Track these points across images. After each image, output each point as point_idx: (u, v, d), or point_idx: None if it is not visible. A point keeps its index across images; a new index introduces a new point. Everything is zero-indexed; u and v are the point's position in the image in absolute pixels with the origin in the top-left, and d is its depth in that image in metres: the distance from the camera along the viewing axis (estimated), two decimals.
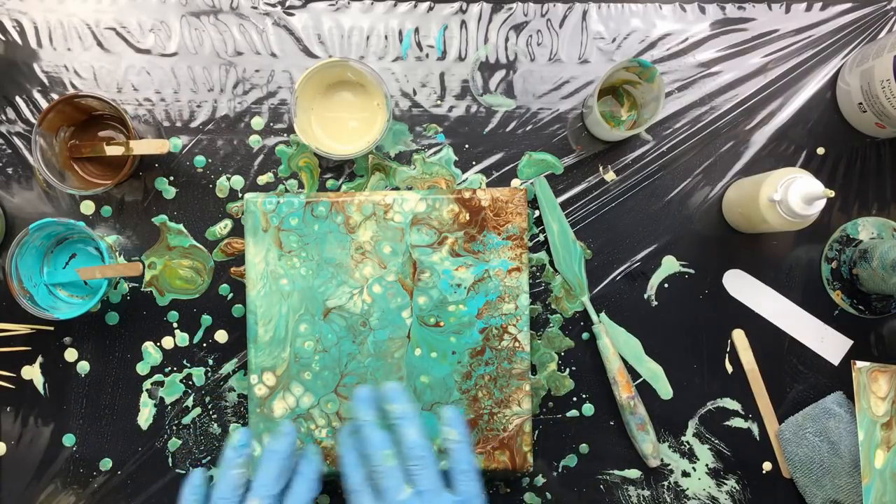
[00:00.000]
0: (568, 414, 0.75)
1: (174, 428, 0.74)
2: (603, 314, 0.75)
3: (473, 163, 0.75)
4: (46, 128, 0.70)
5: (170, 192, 0.74)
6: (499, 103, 0.75)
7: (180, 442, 0.74)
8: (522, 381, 0.71)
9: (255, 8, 0.75)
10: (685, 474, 0.75)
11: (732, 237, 0.75)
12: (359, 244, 0.70)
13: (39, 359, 0.74)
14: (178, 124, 0.75)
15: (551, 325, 0.74)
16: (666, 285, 0.75)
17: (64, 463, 0.73)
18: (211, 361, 0.74)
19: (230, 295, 0.74)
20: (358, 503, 0.61)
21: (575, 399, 0.75)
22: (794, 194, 0.64)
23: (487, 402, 0.70)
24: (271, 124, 0.75)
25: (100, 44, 0.75)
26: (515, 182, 0.75)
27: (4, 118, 0.74)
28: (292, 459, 0.63)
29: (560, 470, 0.74)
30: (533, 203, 0.75)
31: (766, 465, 0.75)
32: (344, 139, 0.73)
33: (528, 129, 0.75)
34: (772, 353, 0.75)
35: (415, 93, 0.75)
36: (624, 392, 0.72)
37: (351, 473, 0.62)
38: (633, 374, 0.75)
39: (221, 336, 0.74)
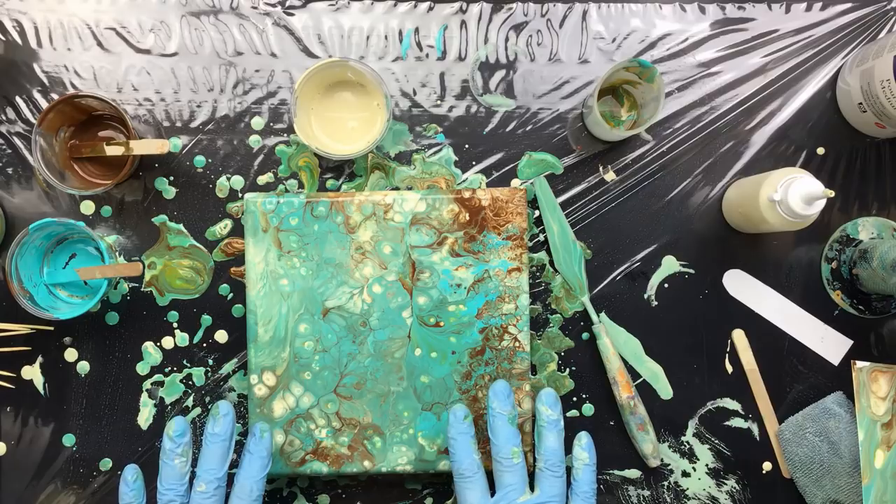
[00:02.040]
0: (568, 414, 0.75)
1: None
2: (603, 314, 0.75)
3: (473, 163, 0.75)
4: (46, 128, 0.70)
5: (170, 192, 0.74)
6: (499, 103, 0.75)
7: None
8: (523, 381, 0.71)
9: (255, 8, 0.75)
10: (685, 474, 0.75)
11: (732, 237, 0.75)
12: (359, 244, 0.70)
13: (39, 359, 0.74)
14: (178, 124, 0.75)
15: (551, 325, 0.75)
16: (666, 285, 0.75)
17: (64, 463, 0.74)
18: (211, 361, 0.74)
19: (230, 295, 0.74)
20: (470, 489, 0.63)
21: (575, 399, 0.75)
22: (794, 194, 0.64)
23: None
24: (271, 124, 0.75)
25: (100, 44, 0.75)
26: (515, 182, 0.75)
27: (4, 118, 0.74)
28: (234, 440, 0.65)
29: None
30: (533, 203, 0.75)
31: (766, 465, 0.75)
32: (344, 139, 0.73)
33: (528, 129, 0.75)
34: (772, 353, 0.75)
35: (415, 93, 0.75)
36: (624, 392, 0.72)
37: (464, 458, 0.64)
38: (633, 374, 0.75)
39: (221, 336, 0.74)
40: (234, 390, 0.74)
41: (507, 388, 0.66)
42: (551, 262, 0.75)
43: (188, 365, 0.74)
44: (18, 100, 0.74)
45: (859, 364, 0.72)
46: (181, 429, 0.64)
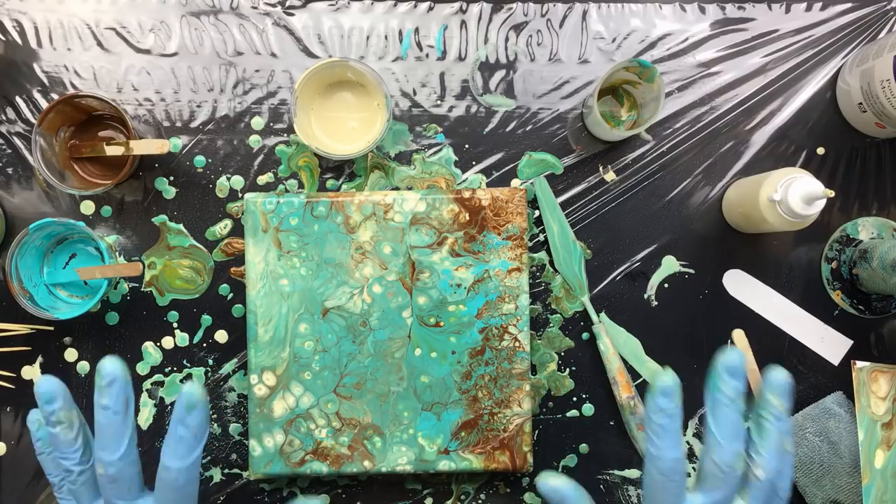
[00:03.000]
0: (568, 414, 0.75)
1: None
2: (603, 314, 0.75)
3: (473, 163, 0.75)
4: (46, 128, 0.70)
5: (170, 192, 0.74)
6: (499, 103, 0.75)
7: None
8: (523, 381, 0.71)
9: (255, 8, 0.75)
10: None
11: (732, 237, 0.75)
12: (359, 244, 0.70)
13: (39, 359, 0.74)
14: (178, 124, 0.75)
15: (551, 325, 0.75)
16: (666, 285, 0.75)
17: None
18: (211, 361, 0.74)
19: (230, 295, 0.74)
20: (666, 490, 0.50)
21: (575, 399, 0.75)
22: (794, 194, 0.64)
23: (487, 402, 0.70)
24: (271, 124, 0.75)
25: (100, 44, 0.75)
26: (515, 182, 0.75)
27: (4, 118, 0.74)
28: (132, 413, 0.51)
29: (560, 470, 0.74)
30: (533, 203, 0.75)
31: None
32: (344, 139, 0.73)
33: (528, 129, 0.75)
34: (772, 353, 0.75)
35: (415, 93, 0.75)
36: (624, 392, 0.72)
37: (669, 453, 0.50)
38: (633, 374, 0.75)
39: (221, 336, 0.74)
40: (234, 390, 0.74)
41: (740, 361, 0.49)
42: (551, 262, 0.75)
43: (188, 365, 0.74)
44: (18, 100, 0.74)
45: (859, 364, 0.72)
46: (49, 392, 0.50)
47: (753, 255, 0.75)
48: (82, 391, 0.74)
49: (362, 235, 0.70)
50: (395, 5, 0.75)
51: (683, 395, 0.74)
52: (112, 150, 0.72)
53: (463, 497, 0.74)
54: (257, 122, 0.75)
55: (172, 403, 0.74)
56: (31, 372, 0.74)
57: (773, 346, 0.75)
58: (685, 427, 0.75)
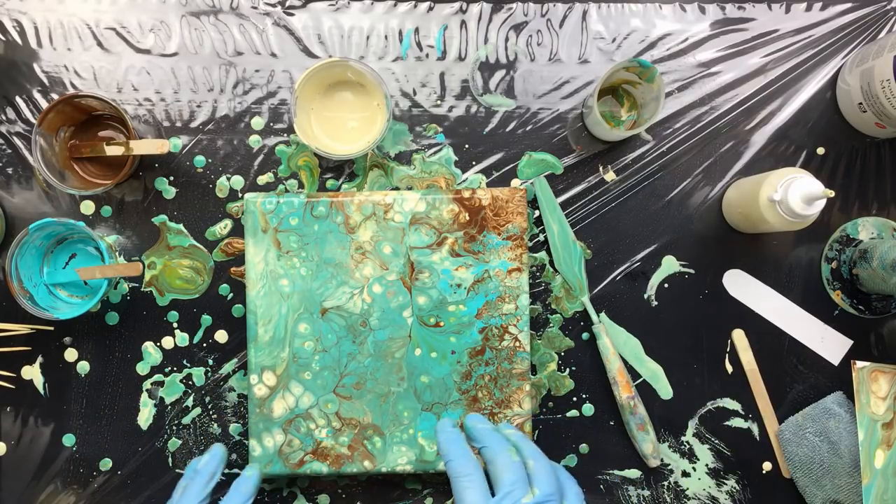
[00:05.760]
0: (568, 414, 0.75)
1: (174, 428, 0.74)
2: (603, 314, 0.75)
3: (473, 163, 0.75)
4: (46, 128, 0.70)
5: (170, 192, 0.74)
6: (499, 103, 0.75)
7: (180, 442, 0.74)
8: (523, 381, 0.71)
9: (255, 8, 0.75)
10: (685, 474, 0.75)
11: (732, 237, 0.75)
12: (359, 244, 0.70)
13: (39, 359, 0.74)
14: (178, 124, 0.75)
15: (551, 325, 0.75)
16: (666, 285, 0.75)
17: (64, 463, 0.74)
18: (211, 361, 0.74)
19: (230, 295, 0.74)
20: (470, 488, 0.58)
21: (575, 399, 0.75)
22: (794, 194, 0.64)
23: (488, 403, 0.70)
24: (271, 124, 0.75)
25: (100, 44, 0.75)
26: (515, 182, 0.75)
27: (4, 118, 0.74)
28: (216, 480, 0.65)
29: None
30: (533, 203, 0.75)
31: (766, 465, 0.75)
32: (344, 139, 0.73)
33: (528, 129, 0.75)
34: (772, 353, 0.75)
35: (415, 93, 0.75)
36: (624, 392, 0.72)
37: (460, 458, 0.60)
38: (633, 374, 0.75)
39: (221, 336, 0.74)
40: (234, 390, 0.74)
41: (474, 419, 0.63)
42: (551, 262, 0.75)
43: (188, 365, 0.74)
44: (18, 100, 0.74)
45: (859, 364, 0.72)
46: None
47: (753, 255, 0.75)
48: (81, 391, 0.74)
49: (362, 235, 0.70)
50: (395, 5, 0.75)
51: (683, 394, 0.75)
52: (112, 150, 0.72)
53: None
54: (257, 122, 0.75)
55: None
56: (30, 372, 0.74)
57: (773, 346, 0.75)
58: (685, 427, 0.75)
